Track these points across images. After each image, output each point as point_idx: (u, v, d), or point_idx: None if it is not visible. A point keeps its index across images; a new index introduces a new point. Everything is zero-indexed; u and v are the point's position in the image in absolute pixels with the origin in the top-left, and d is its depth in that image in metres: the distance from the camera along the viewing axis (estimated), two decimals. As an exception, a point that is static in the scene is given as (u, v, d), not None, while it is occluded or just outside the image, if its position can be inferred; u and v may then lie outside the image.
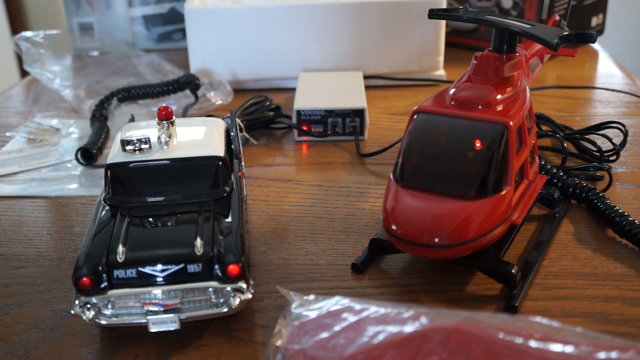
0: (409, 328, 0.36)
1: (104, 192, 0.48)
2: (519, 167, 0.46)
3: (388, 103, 0.83)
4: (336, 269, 0.50)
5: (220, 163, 0.47)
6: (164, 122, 0.49)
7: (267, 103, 0.75)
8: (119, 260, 0.41)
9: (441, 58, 0.88)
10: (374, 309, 0.38)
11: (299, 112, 0.71)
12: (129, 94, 0.79)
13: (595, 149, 0.64)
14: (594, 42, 0.48)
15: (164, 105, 0.49)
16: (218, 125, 0.53)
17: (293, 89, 0.84)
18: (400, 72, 0.88)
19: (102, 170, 0.51)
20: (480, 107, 0.46)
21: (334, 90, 0.76)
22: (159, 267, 0.41)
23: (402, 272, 0.49)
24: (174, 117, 0.49)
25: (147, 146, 0.47)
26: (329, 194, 0.61)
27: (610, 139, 0.64)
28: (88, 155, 0.68)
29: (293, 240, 0.54)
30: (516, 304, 0.44)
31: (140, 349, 0.42)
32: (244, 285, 0.42)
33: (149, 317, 0.41)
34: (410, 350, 0.35)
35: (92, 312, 0.41)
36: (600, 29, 1.04)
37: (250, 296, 0.42)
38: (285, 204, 0.59)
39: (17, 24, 2.41)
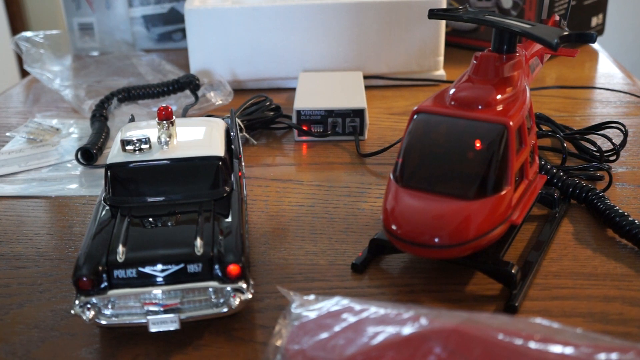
0: (408, 329, 0.36)
1: (104, 192, 0.48)
2: (519, 167, 0.46)
3: (388, 103, 0.83)
4: (336, 269, 0.50)
5: (220, 163, 0.47)
6: (164, 122, 0.49)
7: (267, 103, 0.75)
8: (119, 260, 0.41)
9: (441, 58, 0.88)
10: (373, 310, 0.38)
11: (299, 112, 0.71)
12: (129, 94, 0.79)
13: (595, 149, 0.64)
14: (593, 42, 0.48)
15: (164, 105, 0.49)
16: (218, 125, 0.53)
17: (293, 89, 0.84)
18: (400, 72, 0.88)
19: (102, 170, 0.51)
20: (480, 107, 0.46)
21: (334, 90, 0.76)
22: (159, 267, 0.41)
23: (402, 272, 0.49)
24: (174, 117, 0.49)
25: (147, 146, 0.47)
26: (329, 194, 0.61)
27: (610, 139, 0.64)
28: (88, 155, 0.68)
29: (293, 240, 0.54)
30: (516, 304, 0.44)
31: (140, 349, 0.42)
32: (244, 285, 0.42)
33: (149, 317, 0.41)
34: (410, 351, 0.35)
35: (92, 312, 0.41)
36: (600, 29, 1.04)
37: (250, 296, 0.42)
38: (285, 204, 0.59)
39: (17, 24, 2.41)
